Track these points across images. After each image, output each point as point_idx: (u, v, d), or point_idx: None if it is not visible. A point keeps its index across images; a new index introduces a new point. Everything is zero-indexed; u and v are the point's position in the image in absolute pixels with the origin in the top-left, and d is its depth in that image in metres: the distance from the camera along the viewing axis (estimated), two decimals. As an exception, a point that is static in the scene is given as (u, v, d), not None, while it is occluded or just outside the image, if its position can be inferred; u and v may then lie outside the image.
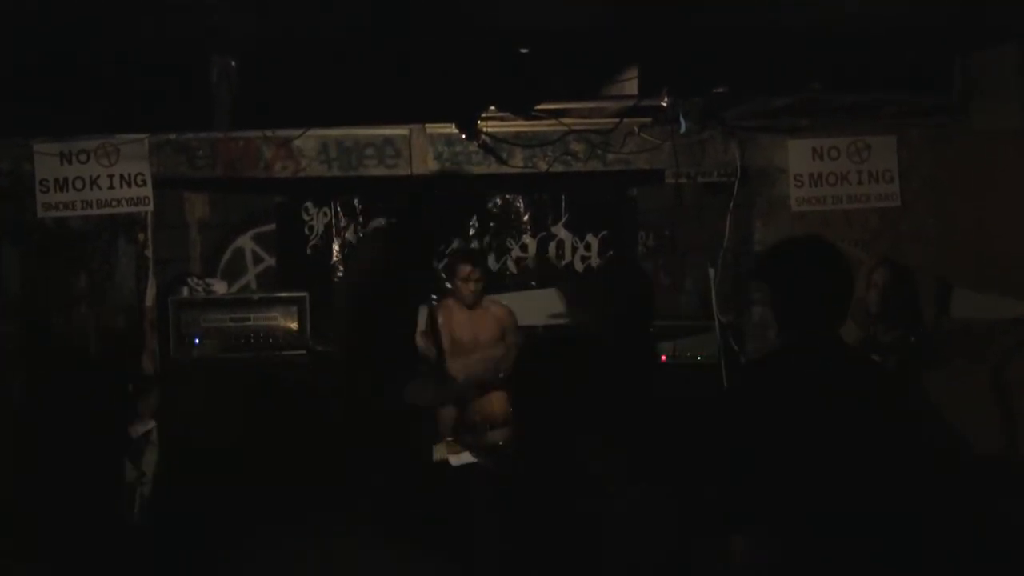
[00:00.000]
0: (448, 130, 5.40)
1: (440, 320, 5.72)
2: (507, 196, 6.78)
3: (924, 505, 2.65)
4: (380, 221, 6.77)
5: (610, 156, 5.51)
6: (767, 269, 2.97)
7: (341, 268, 6.75)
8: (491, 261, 6.72)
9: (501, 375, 5.27)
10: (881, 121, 5.39)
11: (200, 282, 6.05)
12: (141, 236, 5.60)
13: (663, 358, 5.57)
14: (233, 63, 3.50)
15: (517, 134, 5.45)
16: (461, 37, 3.89)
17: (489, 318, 5.75)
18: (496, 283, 6.49)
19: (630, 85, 4.79)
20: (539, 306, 6.26)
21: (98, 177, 5.41)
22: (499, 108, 4.95)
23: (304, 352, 5.61)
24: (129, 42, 3.71)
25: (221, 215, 6.72)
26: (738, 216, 5.46)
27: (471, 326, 5.70)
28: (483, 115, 5.09)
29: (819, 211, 5.47)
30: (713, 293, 5.29)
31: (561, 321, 5.95)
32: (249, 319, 5.68)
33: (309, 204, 6.74)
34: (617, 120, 5.22)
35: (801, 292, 2.78)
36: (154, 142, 5.42)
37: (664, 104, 4.88)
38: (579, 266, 6.84)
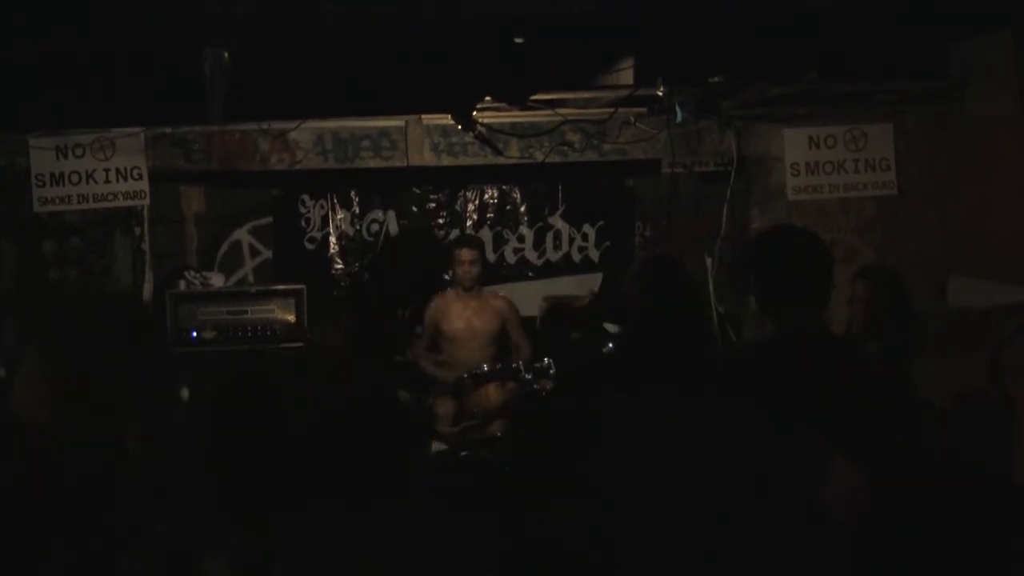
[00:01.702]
0: (444, 121, 5.39)
1: (432, 306, 5.75)
2: (503, 187, 6.77)
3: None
4: (377, 214, 6.77)
5: (606, 146, 5.51)
6: (752, 259, 2.95)
7: (339, 260, 6.75)
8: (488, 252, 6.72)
9: (525, 374, 5.17)
10: (877, 109, 5.38)
11: (197, 275, 6.04)
12: (137, 230, 5.60)
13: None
14: (226, 54, 3.49)
15: (513, 125, 5.45)
16: (457, 27, 3.88)
17: (488, 309, 5.76)
18: (493, 274, 6.50)
19: (625, 75, 4.77)
20: (536, 297, 6.25)
21: (94, 171, 5.40)
22: (495, 99, 4.93)
23: (302, 344, 5.61)
24: (122, 34, 3.70)
25: (218, 208, 6.71)
26: (735, 205, 5.45)
27: (468, 315, 5.71)
28: (479, 106, 5.08)
29: (816, 199, 5.46)
30: (710, 283, 5.29)
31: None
32: (247, 312, 5.67)
33: (306, 196, 6.74)
34: (613, 110, 5.21)
35: (787, 280, 2.77)
36: (150, 136, 5.41)
37: (660, 94, 4.87)
38: (576, 256, 6.83)
